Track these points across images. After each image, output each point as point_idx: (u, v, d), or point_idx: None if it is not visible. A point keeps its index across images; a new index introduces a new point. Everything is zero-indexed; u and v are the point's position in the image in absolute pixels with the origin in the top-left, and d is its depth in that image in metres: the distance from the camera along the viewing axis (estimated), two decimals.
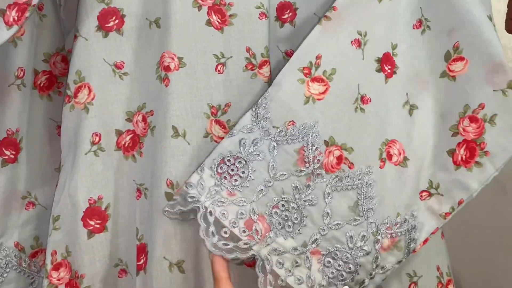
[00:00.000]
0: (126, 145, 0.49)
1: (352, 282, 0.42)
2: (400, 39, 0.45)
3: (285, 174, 0.42)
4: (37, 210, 0.54)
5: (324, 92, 0.43)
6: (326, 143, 0.42)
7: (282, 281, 0.41)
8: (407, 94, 0.45)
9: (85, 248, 0.47)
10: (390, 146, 0.43)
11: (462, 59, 0.44)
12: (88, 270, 0.47)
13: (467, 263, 0.78)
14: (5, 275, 0.51)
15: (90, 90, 0.48)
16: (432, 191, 0.45)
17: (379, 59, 0.43)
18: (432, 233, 0.44)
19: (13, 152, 0.52)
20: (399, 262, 0.44)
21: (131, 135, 0.49)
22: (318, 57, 0.43)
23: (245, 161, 0.42)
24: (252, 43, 0.48)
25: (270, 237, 0.41)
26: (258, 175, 0.42)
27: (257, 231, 0.41)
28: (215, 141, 0.47)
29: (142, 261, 0.46)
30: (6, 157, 0.51)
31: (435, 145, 0.45)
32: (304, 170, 0.42)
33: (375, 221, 0.42)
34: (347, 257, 0.42)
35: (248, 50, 0.48)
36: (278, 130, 0.43)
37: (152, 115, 0.48)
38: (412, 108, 0.45)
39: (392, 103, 0.44)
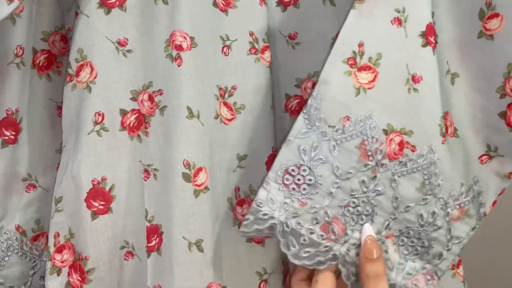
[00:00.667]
0: (131, 125, 0.47)
1: (429, 255, 0.43)
2: (435, 4, 0.43)
3: (351, 173, 0.41)
4: (38, 193, 0.52)
5: (373, 80, 0.41)
6: (385, 131, 0.41)
7: None
8: (447, 62, 0.44)
9: (89, 230, 0.45)
10: (446, 119, 0.43)
11: (497, 15, 0.42)
12: (92, 252, 0.46)
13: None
14: (6, 258, 0.50)
15: (92, 69, 0.47)
16: (492, 153, 0.44)
17: (423, 32, 0.41)
18: (500, 193, 0.45)
19: (13, 133, 0.50)
20: (473, 228, 0.44)
21: (136, 115, 0.47)
22: (361, 45, 0.41)
23: (309, 167, 0.41)
24: (255, 27, 0.48)
25: (347, 234, 0.41)
26: (325, 179, 0.41)
27: (334, 232, 0.41)
28: (224, 122, 0.46)
29: (154, 243, 0.45)
30: (6, 137, 0.50)
31: (484, 109, 0.44)
32: (369, 164, 0.41)
33: (443, 197, 0.42)
34: (420, 233, 0.42)
35: (251, 34, 0.48)
36: (335, 129, 0.41)
37: (161, 94, 0.46)
38: (453, 76, 0.44)
39: (440, 73, 0.43)
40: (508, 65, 0.42)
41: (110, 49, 0.47)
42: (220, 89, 0.47)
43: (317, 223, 0.41)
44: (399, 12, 0.41)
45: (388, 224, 0.42)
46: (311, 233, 0.41)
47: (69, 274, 0.46)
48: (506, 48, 0.42)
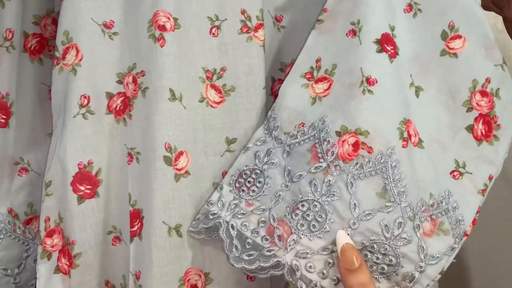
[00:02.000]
0: (117, 108, 0.46)
1: (398, 276, 0.38)
2: (396, 22, 0.43)
3: (301, 175, 0.40)
4: (30, 176, 0.52)
5: (328, 88, 0.42)
6: (338, 133, 0.40)
7: (316, 285, 0.38)
8: (411, 75, 0.44)
9: (76, 214, 0.45)
10: (408, 126, 0.41)
11: (460, 37, 0.44)
12: (79, 236, 0.45)
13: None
14: None
15: (78, 51, 0.46)
16: (461, 170, 0.43)
17: (378, 40, 0.41)
18: (477, 212, 0.42)
19: (4, 117, 0.50)
20: (453, 249, 0.40)
21: (122, 98, 0.46)
22: (318, 60, 0.43)
23: (261, 170, 0.42)
24: (247, 5, 0.46)
25: (293, 239, 0.39)
26: (275, 182, 0.41)
27: (279, 236, 0.40)
28: (211, 106, 0.45)
29: (136, 227, 0.44)
30: None
31: (451, 124, 0.43)
32: (320, 165, 0.40)
33: (409, 205, 0.39)
34: (386, 248, 0.38)
35: (243, 12, 0.46)
36: (290, 135, 0.42)
37: (143, 75, 0.45)
38: (417, 90, 0.44)
39: (401, 82, 0.42)
40: (473, 81, 0.43)
41: (96, 32, 0.46)
42: (207, 71, 0.45)
43: (262, 226, 0.40)
44: (354, 24, 0.42)
45: (348, 235, 0.38)
46: (256, 235, 0.40)
47: (58, 259, 0.45)
48: (470, 65, 0.43)
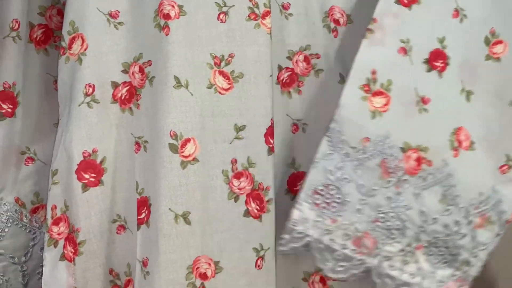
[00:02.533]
0: (122, 97, 0.46)
1: (457, 263, 0.45)
2: (445, 30, 0.46)
3: (375, 189, 0.44)
4: (37, 166, 0.52)
5: (386, 104, 0.45)
6: (403, 149, 0.44)
7: (396, 279, 0.44)
8: (461, 81, 0.47)
9: (80, 202, 0.45)
10: (458, 134, 0.46)
11: (501, 42, 0.47)
12: (84, 224, 0.45)
13: None
14: (6, 229, 0.50)
15: (83, 41, 0.46)
16: (510, 163, 0.47)
17: (426, 60, 0.45)
18: None
19: (11, 106, 0.50)
20: (497, 235, 0.46)
21: (128, 87, 0.46)
22: (374, 72, 0.45)
23: (336, 187, 0.44)
24: None
25: (379, 248, 0.44)
26: (352, 197, 0.44)
27: (366, 246, 0.43)
28: (219, 92, 0.45)
29: (143, 215, 0.44)
30: (4, 110, 0.50)
31: (499, 122, 0.47)
32: (391, 180, 0.44)
33: (464, 206, 0.45)
34: (447, 242, 0.45)
35: None
36: (356, 150, 0.44)
37: (150, 65, 0.45)
38: (468, 94, 0.47)
39: (451, 93, 0.46)
40: None
41: (101, 21, 0.46)
42: (214, 57, 0.45)
43: (348, 238, 0.44)
44: (404, 42, 0.45)
45: (418, 236, 0.44)
46: (344, 248, 0.43)
47: (64, 246, 0.46)
48: None
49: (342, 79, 0.49)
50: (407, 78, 0.45)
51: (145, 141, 0.45)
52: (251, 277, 0.44)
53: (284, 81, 0.48)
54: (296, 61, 0.48)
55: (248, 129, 0.46)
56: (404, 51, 0.45)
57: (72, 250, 0.45)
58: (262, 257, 0.45)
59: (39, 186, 0.52)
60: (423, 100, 0.45)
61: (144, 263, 0.44)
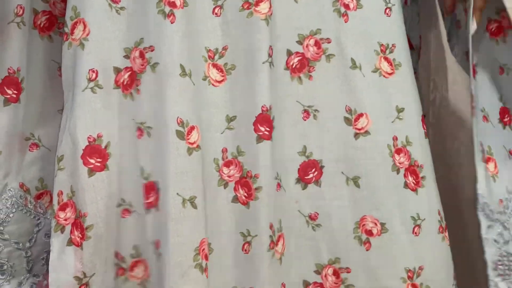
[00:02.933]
0: (124, 83, 0.47)
1: None
2: (501, 87, 0.53)
3: None
4: (41, 152, 0.52)
5: (495, 166, 0.52)
6: None
7: None
8: None
9: (87, 187, 0.45)
10: None
11: None
12: (91, 209, 0.45)
13: None
14: (11, 215, 0.50)
15: (85, 26, 0.46)
16: None
17: (500, 119, 0.54)
18: None
19: (15, 92, 0.50)
20: None
21: (129, 73, 0.47)
22: (481, 144, 0.51)
23: (508, 252, 0.49)
24: None
25: None
26: None
27: None
28: (213, 84, 0.46)
29: (151, 199, 0.45)
30: (8, 96, 0.50)
31: None
32: None
33: None
34: None
35: None
36: (501, 213, 0.50)
37: (152, 51, 0.46)
38: None
39: None
40: None
41: (103, 6, 0.46)
42: (208, 51, 0.46)
43: None
44: (483, 111, 0.52)
45: None
46: None
47: (71, 232, 0.46)
48: None
49: (354, 64, 0.49)
50: (494, 138, 0.52)
51: (149, 127, 0.46)
52: (238, 259, 0.46)
53: (294, 66, 0.49)
54: (307, 46, 0.49)
55: (238, 119, 0.47)
56: (485, 118, 0.52)
57: (80, 235, 0.46)
58: (249, 243, 0.46)
59: (43, 172, 0.53)
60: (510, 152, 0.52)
61: (157, 245, 0.45)
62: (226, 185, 0.46)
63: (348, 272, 0.49)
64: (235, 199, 0.46)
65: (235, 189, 0.46)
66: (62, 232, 0.46)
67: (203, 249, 0.44)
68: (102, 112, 0.46)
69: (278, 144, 0.48)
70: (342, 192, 0.49)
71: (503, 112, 0.54)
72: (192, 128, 0.44)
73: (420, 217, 0.49)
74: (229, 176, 0.47)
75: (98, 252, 0.46)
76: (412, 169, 0.50)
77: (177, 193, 0.44)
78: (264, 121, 0.46)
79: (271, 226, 0.47)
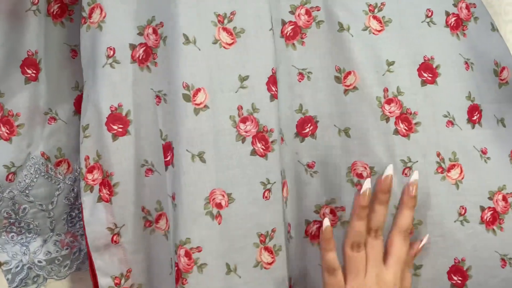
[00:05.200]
0: (140, 57, 0.52)
1: None
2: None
3: None
4: (59, 125, 0.57)
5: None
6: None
7: None
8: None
9: (112, 150, 0.50)
10: None
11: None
12: (116, 168, 0.50)
13: None
14: (35, 180, 0.55)
15: (101, 10, 0.51)
16: None
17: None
18: None
19: (34, 72, 0.55)
20: None
21: (144, 48, 0.51)
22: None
23: None
24: None
25: None
26: None
27: None
28: (224, 47, 0.50)
29: (169, 158, 0.50)
30: (28, 75, 0.55)
31: None
32: None
33: None
34: None
35: None
36: None
37: (162, 26, 0.51)
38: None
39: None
40: None
41: None
42: (218, 15, 0.50)
43: None
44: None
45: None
46: None
47: (100, 190, 0.51)
48: None
49: (341, 27, 0.53)
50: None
51: (164, 94, 0.51)
52: (259, 206, 0.50)
53: (288, 34, 0.53)
54: (299, 15, 0.53)
55: (251, 79, 0.50)
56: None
57: (108, 192, 0.51)
58: (270, 190, 0.50)
59: (61, 143, 0.58)
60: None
61: (173, 197, 0.50)
62: (244, 140, 0.50)
63: (342, 210, 0.53)
64: (254, 152, 0.50)
65: (252, 143, 0.50)
66: (91, 191, 0.51)
67: (213, 198, 0.49)
68: (120, 84, 0.51)
69: (280, 103, 0.52)
70: (335, 142, 0.53)
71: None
72: (198, 90, 0.49)
73: (411, 160, 0.52)
74: (246, 132, 0.50)
75: (126, 206, 0.51)
76: (404, 117, 0.52)
77: (187, 150, 0.48)
78: (274, 82, 0.51)
79: (281, 173, 0.52)
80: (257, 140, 0.51)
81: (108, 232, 0.51)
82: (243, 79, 0.51)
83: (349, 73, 0.53)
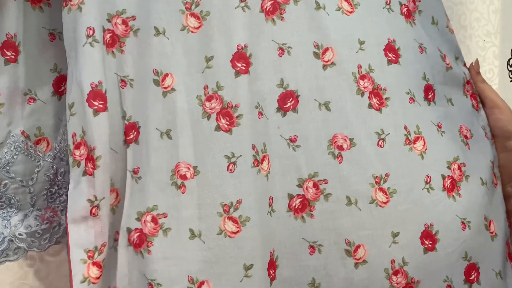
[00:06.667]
0: (107, 41, 0.54)
1: None
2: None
3: None
4: (38, 105, 0.59)
5: None
6: None
7: None
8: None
9: (94, 125, 0.51)
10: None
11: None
12: (98, 142, 0.51)
13: None
14: (15, 156, 0.57)
15: None
16: None
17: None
18: None
19: (13, 53, 0.57)
20: None
21: (111, 34, 0.54)
22: None
23: None
24: None
25: None
26: None
27: None
28: (192, 31, 0.53)
29: (132, 136, 0.53)
30: (8, 57, 0.56)
31: None
32: None
33: None
34: None
35: None
36: None
37: (134, 20, 0.54)
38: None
39: None
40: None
41: None
42: (186, 3, 0.53)
43: None
44: None
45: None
46: None
47: (85, 165, 0.52)
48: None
49: (318, 6, 0.55)
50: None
51: (131, 79, 0.54)
52: (223, 178, 0.52)
53: (267, 9, 0.55)
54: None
55: (215, 58, 0.52)
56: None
57: (92, 166, 0.52)
58: (234, 163, 0.53)
59: (40, 122, 0.59)
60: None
61: (135, 171, 0.53)
62: (209, 116, 0.52)
63: (325, 183, 0.54)
64: (218, 128, 0.52)
65: (217, 119, 0.52)
66: (78, 166, 0.52)
67: (178, 170, 0.52)
68: (100, 63, 0.52)
69: (258, 78, 0.54)
70: (316, 116, 0.55)
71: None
72: (166, 75, 0.52)
73: (384, 132, 0.55)
74: (211, 109, 0.53)
75: (106, 180, 0.52)
76: (376, 92, 0.55)
77: (156, 128, 0.52)
78: (240, 58, 0.53)
79: (253, 147, 0.53)
80: (221, 117, 0.53)
81: (88, 204, 0.52)
82: (208, 59, 0.53)
83: (327, 49, 0.55)
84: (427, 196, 0.56)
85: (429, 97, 0.60)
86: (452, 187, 0.58)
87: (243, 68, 0.54)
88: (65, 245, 0.59)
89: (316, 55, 0.55)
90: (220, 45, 0.53)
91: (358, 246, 0.55)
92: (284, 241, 0.55)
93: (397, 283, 0.55)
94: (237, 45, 0.54)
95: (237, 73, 0.54)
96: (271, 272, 0.54)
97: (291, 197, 0.55)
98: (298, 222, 0.55)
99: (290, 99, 0.55)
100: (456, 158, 0.59)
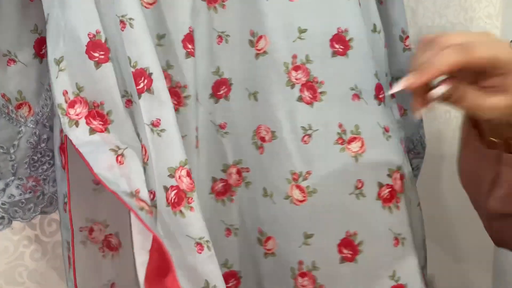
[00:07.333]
0: None
1: None
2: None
3: None
4: (19, 67, 0.55)
5: None
6: None
7: None
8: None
9: (97, 78, 0.46)
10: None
11: None
12: (106, 96, 0.47)
13: None
14: None
15: None
16: None
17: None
18: None
19: None
20: None
21: None
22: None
23: None
24: None
25: None
26: None
27: None
28: (145, 7, 0.51)
29: (142, 85, 0.47)
30: None
31: None
32: None
33: None
34: None
35: None
36: None
37: None
38: None
39: None
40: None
41: None
42: None
43: None
44: None
45: None
46: None
47: (88, 123, 0.47)
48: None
49: None
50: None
51: (130, 18, 0.47)
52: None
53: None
54: None
55: (167, 36, 0.51)
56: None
57: (101, 122, 0.47)
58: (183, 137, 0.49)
59: (21, 85, 0.55)
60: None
61: (154, 124, 0.47)
62: None
63: (247, 171, 0.54)
64: None
65: None
66: (77, 126, 0.47)
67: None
68: (94, 11, 0.47)
69: (198, 64, 0.53)
70: (245, 105, 0.54)
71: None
72: None
73: (312, 128, 0.52)
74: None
75: (125, 131, 0.48)
76: (310, 85, 0.52)
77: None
78: (191, 40, 0.51)
79: (196, 129, 0.53)
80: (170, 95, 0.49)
81: (112, 153, 0.47)
82: (160, 37, 0.51)
83: (260, 37, 0.52)
84: (355, 203, 0.52)
85: (380, 96, 0.54)
86: (390, 197, 0.53)
87: (192, 50, 0.52)
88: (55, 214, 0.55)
89: (251, 43, 0.53)
90: (173, 24, 0.51)
91: (269, 238, 0.54)
92: (206, 221, 0.51)
93: (302, 286, 0.53)
94: (189, 27, 0.52)
95: (188, 55, 0.51)
96: None
97: (214, 180, 0.56)
98: (219, 205, 0.56)
99: (223, 87, 0.54)
100: (399, 167, 0.54)
